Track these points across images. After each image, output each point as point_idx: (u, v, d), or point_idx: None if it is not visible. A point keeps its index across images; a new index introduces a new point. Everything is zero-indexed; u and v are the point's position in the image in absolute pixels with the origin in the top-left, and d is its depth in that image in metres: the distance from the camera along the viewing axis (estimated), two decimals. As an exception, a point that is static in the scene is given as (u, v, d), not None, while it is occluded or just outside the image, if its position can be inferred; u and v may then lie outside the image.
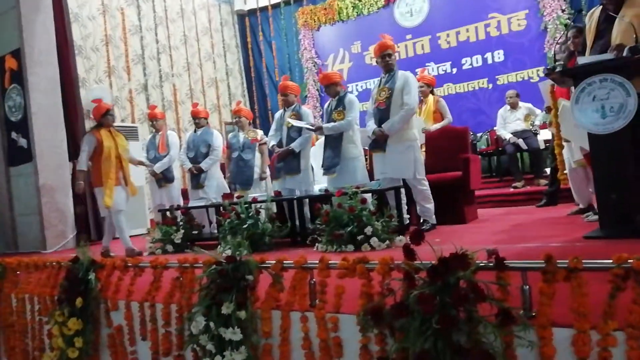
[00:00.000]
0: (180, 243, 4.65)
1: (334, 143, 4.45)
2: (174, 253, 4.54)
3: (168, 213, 5.14)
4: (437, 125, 5.55)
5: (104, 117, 4.73)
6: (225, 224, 4.22)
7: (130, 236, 6.95)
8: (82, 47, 7.63)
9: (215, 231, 4.89)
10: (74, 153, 6.56)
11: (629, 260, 1.54)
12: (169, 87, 9.02)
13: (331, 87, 4.57)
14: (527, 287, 1.70)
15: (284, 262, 2.22)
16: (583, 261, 1.62)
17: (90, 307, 2.94)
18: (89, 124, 7.37)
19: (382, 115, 4.20)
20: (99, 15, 7.95)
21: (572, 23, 6.95)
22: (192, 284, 2.50)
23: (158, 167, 5.97)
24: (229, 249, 3.91)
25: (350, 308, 1.98)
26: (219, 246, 4.16)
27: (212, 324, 2.22)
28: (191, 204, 5.39)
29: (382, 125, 4.13)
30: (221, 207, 4.51)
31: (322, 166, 4.54)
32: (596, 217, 3.62)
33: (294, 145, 4.66)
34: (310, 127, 4.57)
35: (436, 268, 1.67)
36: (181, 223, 4.83)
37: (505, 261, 1.72)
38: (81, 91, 7.21)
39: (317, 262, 2.12)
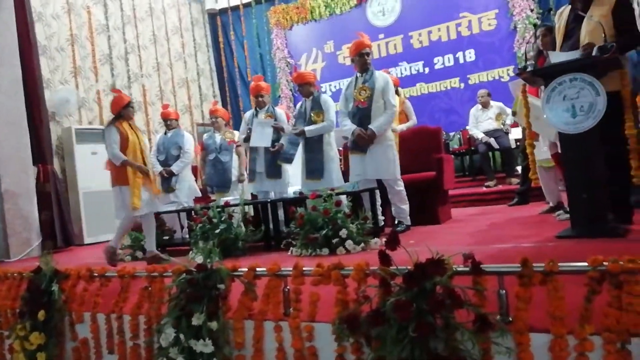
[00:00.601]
0: (151, 249, 4.50)
1: (316, 146, 4.38)
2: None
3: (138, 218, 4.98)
4: (403, 127, 5.55)
5: (125, 109, 4.18)
6: (196, 229, 4.11)
7: (98, 242, 6.84)
8: (46, 47, 7.36)
9: (187, 236, 4.77)
10: (38, 157, 6.35)
11: (604, 263, 1.53)
12: (138, 87, 8.80)
13: (305, 87, 4.51)
14: (504, 291, 1.68)
15: (257, 269, 2.16)
16: (559, 264, 1.60)
17: (54, 320, 2.80)
18: (54, 126, 7.14)
19: (362, 114, 4.15)
20: (63, 14, 7.69)
21: (541, 22, 7.11)
22: (161, 294, 2.41)
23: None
24: (201, 256, 3.84)
25: (325, 316, 1.93)
26: (191, 252, 4.06)
27: (182, 336, 2.14)
28: (162, 208, 5.25)
29: (372, 127, 4.07)
30: (193, 212, 4.39)
31: (306, 170, 4.43)
32: (567, 215, 3.67)
33: (308, 129, 4.40)
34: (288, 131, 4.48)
35: (412, 274, 1.63)
36: (152, 228, 4.69)
37: (481, 265, 1.69)
38: (46, 92, 6.96)
39: (291, 269, 2.06)
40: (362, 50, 4.20)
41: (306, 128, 4.37)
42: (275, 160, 4.65)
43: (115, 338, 2.59)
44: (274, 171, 4.64)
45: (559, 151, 3.73)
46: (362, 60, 4.21)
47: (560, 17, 3.29)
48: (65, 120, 7.44)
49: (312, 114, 4.42)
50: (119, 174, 4.13)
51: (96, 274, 2.82)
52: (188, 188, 5.50)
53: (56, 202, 6.47)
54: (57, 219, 6.41)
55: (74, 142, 7.08)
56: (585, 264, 1.56)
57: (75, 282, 2.88)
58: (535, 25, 7.15)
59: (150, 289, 2.49)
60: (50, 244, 6.24)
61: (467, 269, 1.69)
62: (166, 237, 4.73)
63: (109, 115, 7.94)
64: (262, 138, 4.64)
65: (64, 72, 7.60)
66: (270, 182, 4.68)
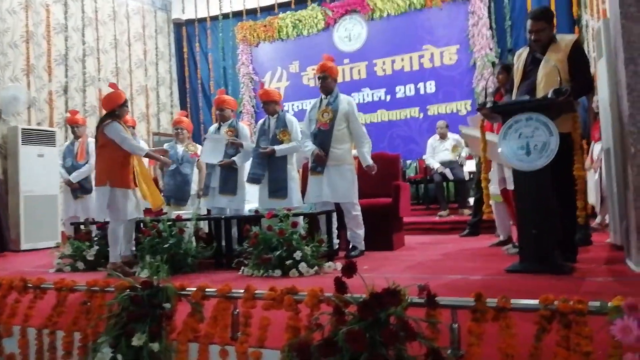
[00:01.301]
0: (93, 260, 4.27)
1: (280, 165, 4.32)
2: (85, 271, 4.18)
3: (82, 227, 4.74)
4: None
5: (121, 108, 3.94)
6: (144, 242, 3.94)
7: (36, 249, 6.46)
8: (-3, 42, 7.02)
9: (134, 249, 4.56)
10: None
11: (555, 302, 1.55)
12: (94, 91, 8.51)
13: (271, 105, 4.47)
14: (456, 325, 1.67)
15: (206, 289, 2.07)
16: (511, 300, 1.61)
17: (-21, 332, 2.59)
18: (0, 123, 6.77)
19: (324, 136, 4.16)
20: (20, 10, 7.37)
21: (498, 60, 7.42)
22: (101, 310, 2.26)
23: (75, 177, 5.56)
24: (147, 271, 3.68)
25: (275, 342, 1.86)
26: (137, 266, 3.89)
27: (119, 357, 2.01)
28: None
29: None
30: (141, 224, 4.21)
31: (269, 189, 4.33)
32: (516, 250, 3.76)
33: (278, 148, 4.33)
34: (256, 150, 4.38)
35: (368, 303, 1.60)
36: (96, 239, 4.47)
37: (436, 298, 1.68)
38: (-7, 89, 6.62)
39: (243, 291, 1.98)
40: (319, 74, 4.24)
41: (276, 147, 4.30)
42: (230, 177, 4.52)
43: (45, 355, 2.41)
44: (229, 187, 4.52)
45: (507, 187, 3.86)
46: (323, 83, 4.23)
47: (519, 59, 3.42)
48: (13, 119, 7.07)
49: (277, 133, 4.37)
50: (118, 174, 3.83)
51: (30, 285, 2.63)
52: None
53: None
54: (-6, 222, 6.03)
55: (20, 142, 6.71)
56: (537, 301, 1.57)
57: (7, 292, 2.68)
58: (493, 63, 7.45)
59: (89, 304, 2.34)
60: (-18, 248, 5.85)
61: (422, 300, 1.68)
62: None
63: (59, 117, 7.72)
64: (213, 154, 4.55)
65: (15, 70, 7.26)
66: (224, 198, 4.54)
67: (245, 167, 4.67)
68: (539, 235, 2.92)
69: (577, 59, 3.13)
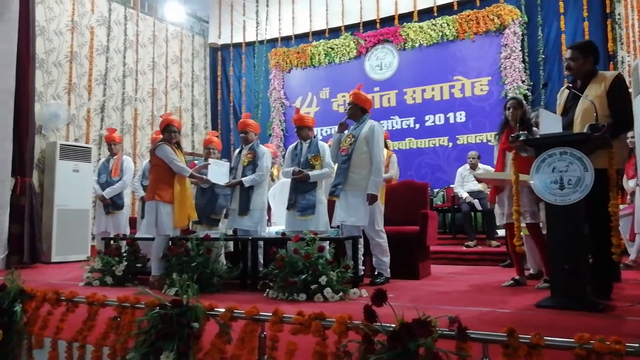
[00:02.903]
0: (122, 275, 4.36)
1: (310, 188, 4.36)
2: (113, 286, 4.25)
3: (112, 242, 4.84)
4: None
5: (165, 132, 4.38)
6: (172, 260, 4.00)
7: (66, 262, 6.62)
8: (44, 61, 7.36)
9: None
10: (18, 169, 6.21)
11: (591, 341, 1.51)
12: (130, 110, 8.79)
13: (304, 130, 4.53)
14: (487, 359, 1.64)
15: (235, 311, 2.08)
16: (545, 338, 1.57)
17: (12, 342, 2.65)
18: (39, 140, 7.04)
19: (342, 161, 4.21)
20: (66, 31, 7.74)
21: (530, 94, 7.37)
22: (131, 327, 2.30)
23: (108, 192, 5.71)
24: (175, 289, 3.72)
25: (300, 367, 1.86)
26: (164, 283, 3.94)
27: (147, 374, 2.03)
28: (139, 234, 5.12)
29: (310, 172, 4.31)
30: (171, 241, 4.28)
31: (298, 208, 4.34)
32: (546, 285, 3.68)
33: (244, 180, 4.50)
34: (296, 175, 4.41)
35: (398, 333, 1.59)
36: (125, 254, 4.56)
37: (467, 330, 1.66)
38: (37, 105, 6.90)
39: (270, 314, 1.99)
40: (357, 104, 4.29)
41: (310, 173, 4.35)
42: (243, 197, 4.53)
43: (74, 368, 2.45)
44: (241, 207, 4.55)
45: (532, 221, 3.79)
46: (353, 111, 4.31)
47: (562, 95, 3.44)
48: (52, 134, 7.35)
49: (309, 157, 4.43)
50: (163, 189, 4.23)
51: (63, 298, 2.69)
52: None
53: (29, 216, 6.30)
54: (27, 233, 6.22)
55: (57, 157, 6.97)
56: (572, 340, 1.54)
57: (40, 304, 2.75)
58: (525, 95, 7.41)
59: (119, 319, 2.38)
60: (15, 258, 6.03)
61: (453, 332, 1.66)
62: (139, 265, 4.58)
63: (95, 134, 7.98)
64: (217, 176, 4.62)
65: (57, 88, 7.58)
66: (241, 220, 4.54)
67: (268, 190, 4.75)
68: (571, 270, 2.85)
69: (617, 95, 3.11)
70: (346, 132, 4.35)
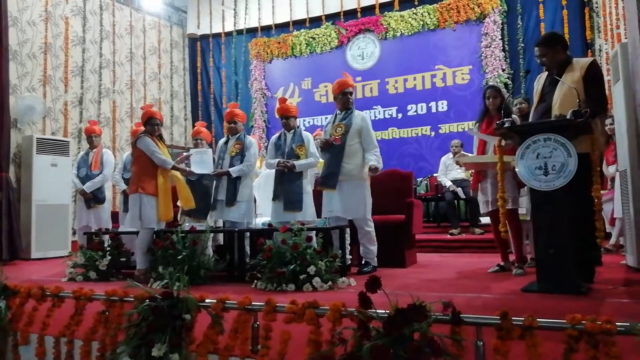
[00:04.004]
0: (105, 270, 4.29)
1: (295, 179, 4.31)
2: (97, 281, 4.19)
3: (94, 236, 4.76)
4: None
5: (147, 124, 4.31)
6: (158, 253, 3.95)
7: (46, 258, 6.49)
8: (17, 53, 7.15)
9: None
10: (-6, 163, 6.05)
11: (583, 322, 1.54)
12: (109, 103, 8.62)
13: (290, 120, 4.49)
14: (482, 342, 1.66)
15: (226, 301, 2.07)
16: (538, 319, 1.60)
17: (-4, 339, 2.59)
18: (14, 134, 6.86)
19: (335, 151, 4.19)
20: (40, 22, 7.52)
21: (510, 82, 7.45)
22: (120, 320, 2.27)
23: (89, 186, 5.60)
24: (161, 282, 3.68)
25: (295, 356, 1.86)
26: (150, 277, 3.90)
27: (139, 367, 2.00)
28: (122, 228, 5.05)
29: (295, 162, 4.27)
30: (155, 235, 4.22)
31: (284, 202, 4.31)
32: (521, 270, 3.75)
33: (232, 170, 4.47)
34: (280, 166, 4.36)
35: (393, 319, 1.60)
36: (108, 248, 4.49)
37: (461, 315, 1.67)
38: (11, 98, 6.71)
39: (263, 304, 1.98)
40: (345, 90, 4.27)
41: (296, 162, 4.32)
42: (230, 188, 4.50)
43: (62, 364, 2.41)
44: (227, 198, 4.51)
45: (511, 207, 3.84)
46: (344, 99, 4.28)
47: (539, 82, 3.46)
48: (28, 128, 7.17)
49: (294, 148, 4.39)
50: (146, 182, 4.16)
51: (49, 293, 2.64)
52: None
53: (6, 212, 6.15)
54: (5, 230, 6.09)
55: (34, 151, 6.80)
56: (564, 321, 1.56)
57: (25, 300, 2.69)
58: (506, 84, 7.49)
59: (107, 313, 2.34)
60: (-6, 255, 5.88)
61: (447, 317, 1.67)
62: (123, 259, 4.51)
63: (74, 127, 7.82)
64: (201, 166, 4.58)
65: (32, 80, 7.38)
66: (229, 211, 4.49)
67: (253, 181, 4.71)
68: (556, 255, 2.91)
69: (593, 79, 3.16)
70: (335, 120, 4.32)
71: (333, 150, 4.22)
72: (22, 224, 6.59)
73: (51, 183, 6.86)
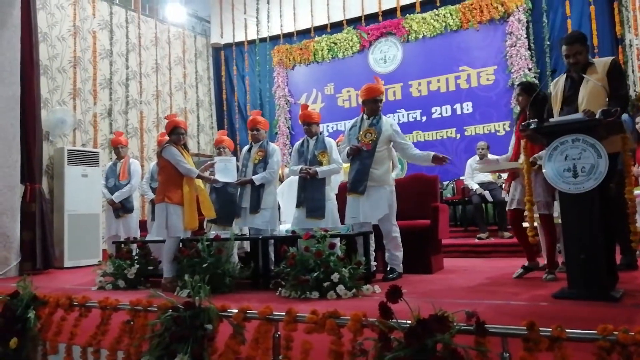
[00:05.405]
0: (134, 279, 4.36)
1: (318, 185, 4.32)
2: (126, 289, 4.26)
3: (123, 245, 4.85)
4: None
5: (173, 134, 4.35)
6: (183, 262, 3.99)
7: (79, 267, 6.65)
8: (48, 67, 7.38)
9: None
10: (27, 175, 6.24)
11: (614, 332, 1.47)
12: (136, 114, 8.80)
13: (312, 126, 4.50)
14: (507, 354, 1.61)
15: (247, 311, 2.06)
16: (567, 330, 1.54)
17: (27, 349, 2.66)
18: (46, 146, 7.07)
19: (365, 156, 4.16)
20: (69, 37, 7.75)
21: (537, 82, 7.28)
22: (144, 330, 2.29)
23: (117, 196, 5.71)
24: (187, 291, 3.70)
25: (316, 367, 1.83)
26: (177, 285, 3.94)
27: (162, 377, 2.01)
28: (150, 237, 5.12)
29: (317, 169, 4.27)
30: (181, 243, 4.27)
31: (306, 209, 4.31)
32: (552, 276, 3.62)
33: (255, 178, 4.48)
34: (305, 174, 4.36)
35: (414, 330, 1.56)
36: (136, 257, 4.56)
37: (485, 325, 1.62)
38: (43, 112, 6.93)
39: (284, 314, 1.97)
40: (376, 97, 4.26)
41: (318, 169, 4.32)
42: (254, 195, 4.51)
43: (89, 373, 2.44)
44: (252, 205, 4.52)
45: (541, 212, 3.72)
46: (375, 106, 4.26)
47: (556, 87, 3.34)
48: (59, 140, 7.38)
49: (317, 154, 4.39)
50: (172, 191, 4.20)
51: (76, 303, 2.69)
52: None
53: (40, 222, 6.32)
54: (39, 240, 6.25)
55: (65, 163, 6.99)
56: (595, 332, 1.50)
57: (54, 310, 2.75)
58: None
59: (132, 323, 2.37)
60: (28, 265, 6.06)
61: (471, 327, 1.62)
62: (150, 268, 4.58)
63: (103, 138, 8.01)
64: (225, 174, 4.60)
65: (63, 93, 7.60)
66: (253, 218, 4.50)
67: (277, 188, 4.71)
68: (588, 260, 2.80)
69: (616, 77, 3.06)
70: (362, 125, 4.30)
71: (362, 155, 4.19)
72: (55, 233, 6.77)
73: (82, 193, 7.04)
